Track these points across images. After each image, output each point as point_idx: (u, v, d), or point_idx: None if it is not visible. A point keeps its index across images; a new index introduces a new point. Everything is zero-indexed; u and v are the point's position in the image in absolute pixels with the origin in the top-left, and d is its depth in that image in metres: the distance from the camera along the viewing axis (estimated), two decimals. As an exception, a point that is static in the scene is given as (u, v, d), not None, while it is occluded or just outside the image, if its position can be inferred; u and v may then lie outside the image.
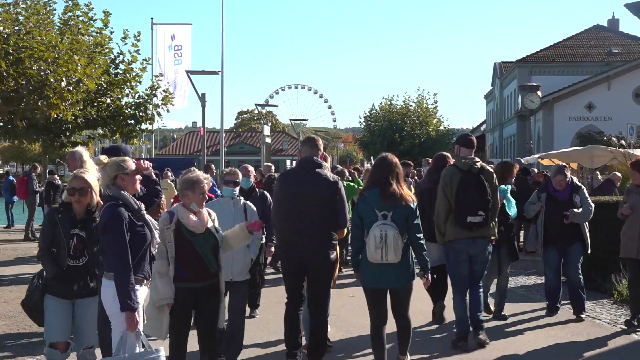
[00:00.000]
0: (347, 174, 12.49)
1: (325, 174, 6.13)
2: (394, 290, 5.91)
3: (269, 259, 7.47)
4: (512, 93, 45.11)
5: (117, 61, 16.43)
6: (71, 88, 12.65)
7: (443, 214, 7.01)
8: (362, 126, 55.94)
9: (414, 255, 5.96)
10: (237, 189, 6.46)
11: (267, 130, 27.25)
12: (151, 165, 6.09)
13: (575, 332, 7.71)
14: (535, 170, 18.16)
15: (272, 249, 7.19)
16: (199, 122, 23.48)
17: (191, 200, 5.28)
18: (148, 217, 5.01)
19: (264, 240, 7.09)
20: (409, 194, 5.91)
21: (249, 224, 5.49)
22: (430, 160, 9.92)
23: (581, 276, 8.30)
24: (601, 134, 32.54)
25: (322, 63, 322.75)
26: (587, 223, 8.39)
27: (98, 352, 5.40)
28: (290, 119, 55.14)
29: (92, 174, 5.22)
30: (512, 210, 8.05)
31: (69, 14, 15.09)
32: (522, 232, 14.46)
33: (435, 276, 7.25)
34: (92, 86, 13.48)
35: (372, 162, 25.30)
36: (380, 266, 5.72)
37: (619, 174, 14.36)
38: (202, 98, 20.14)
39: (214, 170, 14.20)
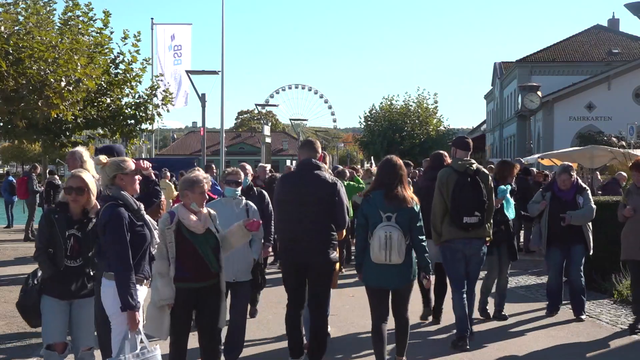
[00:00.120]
0: (348, 173, 12.49)
1: (324, 175, 6.18)
2: (395, 290, 6.00)
3: (269, 259, 7.49)
4: (512, 93, 45.10)
5: (117, 61, 16.41)
6: (71, 88, 12.65)
7: (439, 215, 7.08)
8: (362, 126, 55.91)
9: (414, 256, 6.00)
10: (240, 189, 6.46)
11: (267, 130, 27.25)
12: (150, 165, 6.10)
13: (575, 332, 7.71)
14: (535, 170, 18.15)
15: (270, 249, 7.23)
16: (199, 122, 23.46)
17: (191, 200, 5.27)
18: (147, 217, 5.01)
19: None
20: (413, 196, 6.01)
21: (247, 222, 5.48)
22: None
23: (583, 279, 8.28)
24: (601, 134, 32.57)
25: (322, 63, 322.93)
26: (590, 224, 8.34)
27: (97, 353, 5.40)
28: (290, 119, 55.11)
29: (90, 174, 5.20)
30: (510, 212, 8.04)
31: (69, 14, 15.09)
32: (522, 232, 14.48)
33: (434, 276, 7.30)
34: (92, 86, 13.47)
35: (372, 162, 25.35)
36: (383, 266, 5.83)
37: (624, 174, 14.32)
38: (202, 98, 20.14)
39: (215, 170, 14.20)
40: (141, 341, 4.75)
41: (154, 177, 6.54)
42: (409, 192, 6.00)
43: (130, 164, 5.02)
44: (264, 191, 7.75)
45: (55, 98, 12.36)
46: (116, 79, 16.27)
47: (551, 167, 23.76)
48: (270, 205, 7.37)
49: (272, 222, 7.28)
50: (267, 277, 7.13)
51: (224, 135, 27.56)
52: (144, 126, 17.72)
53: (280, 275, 6.72)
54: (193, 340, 5.49)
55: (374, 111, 53.97)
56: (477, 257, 7.17)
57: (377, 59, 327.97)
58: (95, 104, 15.96)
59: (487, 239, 7.23)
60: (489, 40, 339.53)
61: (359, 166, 20.84)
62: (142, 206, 4.98)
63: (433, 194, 7.16)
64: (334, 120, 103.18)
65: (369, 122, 53.53)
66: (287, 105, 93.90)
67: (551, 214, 8.27)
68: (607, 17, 51.43)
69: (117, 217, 4.71)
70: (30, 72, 11.96)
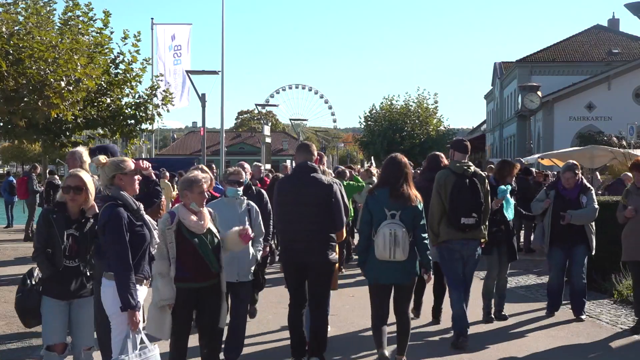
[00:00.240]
0: (348, 173, 12.49)
1: (320, 177, 6.27)
2: (398, 286, 6.10)
3: (269, 258, 7.50)
4: (512, 93, 45.09)
5: (117, 61, 16.41)
6: (71, 88, 12.65)
7: (437, 215, 7.15)
8: (362, 126, 55.90)
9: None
10: (242, 188, 6.47)
11: (267, 130, 27.24)
12: (150, 165, 6.09)
13: (575, 332, 7.71)
14: (535, 170, 18.15)
15: (267, 249, 7.25)
16: (199, 122, 23.46)
17: (191, 200, 5.27)
18: (147, 217, 5.01)
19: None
20: (417, 195, 6.11)
21: (242, 233, 5.45)
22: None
23: (585, 281, 8.27)
24: (601, 134, 32.55)
25: (322, 63, 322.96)
26: (593, 224, 8.29)
27: (96, 354, 5.40)
28: (290, 119, 55.08)
29: (88, 174, 5.19)
30: (510, 213, 8.03)
31: (69, 14, 15.10)
32: (522, 232, 14.47)
33: (433, 276, 7.32)
34: (92, 86, 13.47)
35: (372, 162, 25.36)
36: (386, 263, 5.93)
37: (630, 174, 14.27)
38: (202, 98, 20.14)
39: (215, 170, 14.19)
40: (141, 341, 4.75)
41: (154, 177, 6.53)
42: (413, 191, 6.10)
43: (130, 164, 5.02)
44: (262, 190, 7.79)
45: (55, 98, 12.36)
46: (116, 79, 16.27)
47: (551, 167, 23.75)
48: (269, 205, 7.41)
49: (271, 221, 7.31)
50: (267, 277, 7.15)
51: (224, 135, 27.56)
52: (144, 126, 17.72)
53: (280, 275, 6.74)
54: (193, 340, 5.49)
55: (374, 111, 53.98)
56: (473, 258, 7.28)
57: (377, 59, 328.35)
58: (95, 104, 15.96)
59: (483, 240, 7.34)
60: (489, 40, 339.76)
61: (358, 166, 20.88)
62: (142, 206, 4.98)
63: (430, 194, 7.20)
64: (334, 121, 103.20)
65: (369, 122, 53.54)
66: (287, 105, 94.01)
67: (554, 213, 8.21)
68: (607, 17, 51.51)
69: (116, 217, 4.71)
70: (30, 72, 11.97)
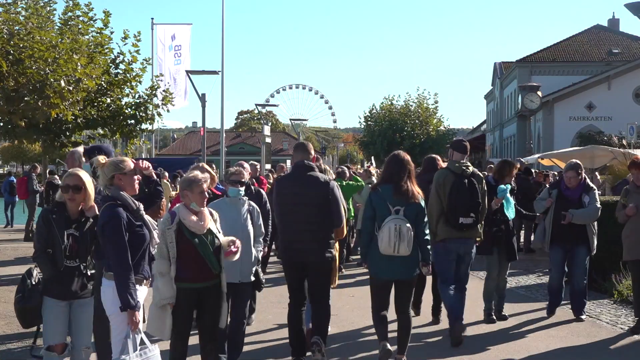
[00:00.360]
0: (348, 174, 12.49)
1: (317, 175, 6.33)
2: (400, 281, 6.18)
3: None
4: (513, 93, 45.09)
5: (117, 61, 16.41)
6: (71, 88, 12.65)
7: (435, 215, 7.21)
8: (362, 126, 55.88)
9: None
10: (243, 189, 6.47)
11: (267, 130, 27.24)
12: (150, 165, 6.07)
13: (575, 332, 7.71)
14: (534, 170, 18.15)
15: (266, 248, 7.28)
16: (199, 122, 23.47)
17: (191, 200, 5.26)
18: (147, 217, 5.00)
19: None
20: (420, 192, 6.22)
21: (229, 250, 5.38)
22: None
23: (585, 282, 8.26)
24: (601, 134, 32.53)
25: (322, 63, 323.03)
26: (595, 225, 8.25)
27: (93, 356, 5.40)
28: (290, 119, 55.06)
29: (87, 173, 5.18)
30: (510, 212, 8.03)
31: (69, 14, 15.09)
32: (522, 232, 14.47)
33: (432, 276, 7.46)
34: (92, 86, 13.47)
35: (373, 162, 25.33)
36: (389, 258, 6.00)
37: None
38: (202, 98, 20.14)
39: (215, 170, 14.17)
40: (142, 342, 4.75)
41: (155, 177, 6.52)
42: (416, 187, 6.20)
43: (129, 163, 5.01)
44: (261, 190, 7.83)
45: (55, 98, 12.36)
46: (116, 79, 16.27)
47: (551, 167, 23.75)
48: (268, 205, 7.45)
49: (269, 221, 7.33)
50: (267, 277, 7.15)
51: (224, 135, 27.57)
52: (144, 126, 17.71)
53: (279, 275, 6.75)
54: (193, 340, 5.49)
55: (374, 111, 53.95)
56: (469, 256, 7.41)
57: (377, 59, 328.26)
58: (96, 104, 15.96)
59: (478, 239, 7.46)
60: (489, 40, 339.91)
61: (358, 165, 20.87)
62: (142, 206, 4.97)
63: (428, 195, 7.23)
64: (334, 121, 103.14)
65: (369, 122, 53.52)
66: (287, 105, 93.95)
67: (556, 212, 8.17)
68: (607, 17, 51.50)
69: (115, 218, 4.71)
70: (30, 72, 11.97)
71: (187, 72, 21.49)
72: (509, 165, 8.33)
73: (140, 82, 16.84)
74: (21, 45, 12.01)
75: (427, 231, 6.25)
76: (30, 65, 12.00)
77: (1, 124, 15.25)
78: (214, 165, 13.54)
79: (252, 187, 7.69)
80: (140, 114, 16.79)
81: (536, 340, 7.38)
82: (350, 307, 8.93)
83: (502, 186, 7.88)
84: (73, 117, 14.52)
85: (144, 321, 5.08)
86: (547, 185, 10.30)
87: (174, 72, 25.95)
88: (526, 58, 43.99)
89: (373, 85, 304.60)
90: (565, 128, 37.90)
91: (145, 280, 4.94)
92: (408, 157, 6.33)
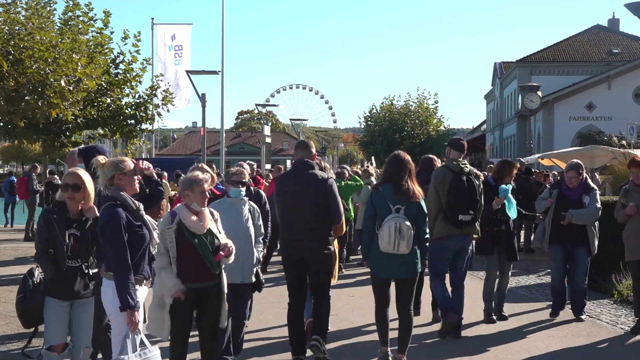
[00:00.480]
0: (347, 174, 12.50)
1: (316, 173, 6.38)
2: (401, 280, 6.25)
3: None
4: (513, 93, 45.08)
5: (117, 61, 16.41)
6: (71, 88, 12.65)
7: (433, 212, 7.26)
8: (362, 126, 55.87)
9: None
10: (244, 189, 6.47)
11: (267, 130, 27.27)
12: (151, 165, 6.07)
13: (575, 332, 7.71)
14: (536, 170, 18.15)
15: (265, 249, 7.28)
16: (199, 122, 23.48)
17: (192, 200, 5.26)
18: (147, 217, 5.00)
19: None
20: (420, 191, 6.30)
21: (219, 254, 5.36)
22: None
23: (586, 283, 8.25)
24: (601, 134, 32.52)
25: (322, 63, 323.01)
26: (597, 226, 8.21)
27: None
28: (290, 119, 55.07)
29: (86, 172, 5.18)
30: (512, 212, 8.02)
31: (69, 14, 15.08)
32: (522, 232, 14.48)
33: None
34: (92, 86, 13.47)
35: (372, 162, 25.32)
36: (390, 256, 6.07)
37: None
38: (202, 98, 20.14)
39: (216, 170, 14.18)
40: (142, 343, 4.74)
41: (155, 177, 6.52)
42: (417, 187, 6.27)
43: (129, 163, 5.01)
44: (261, 191, 7.84)
45: (55, 98, 12.36)
46: (116, 79, 16.26)
47: (551, 167, 23.74)
48: (267, 205, 7.47)
49: (269, 222, 7.34)
50: (267, 277, 7.15)
51: (224, 135, 27.57)
52: (144, 126, 17.71)
53: (280, 275, 6.76)
54: (193, 340, 5.49)
55: (374, 111, 53.95)
56: (465, 252, 7.52)
57: (377, 59, 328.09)
58: (96, 104, 15.96)
59: (475, 236, 7.59)
60: (489, 40, 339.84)
61: (358, 165, 20.88)
62: (142, 206, 4.97)
63: (425, 195, 7.25)
64: (334, 121, 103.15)
65: (369, 122, 53.51)
66: (287, 105, 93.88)
67: (556, 212, 8.14)
68: (607, 17, 51.48)
69: (114, 218, 4.71)
70: (30, 72, 11.97)
71: (187, 72, 21.50)
72: (509, 165, 8.32)
73: (140, 82, 16.85)
74: (21, 45, 12.01)
75: (427, 230, 6.32)
76: (30, 65, 12.00)
77: (1, 124, 15.25)
78: (214, 166, 13.57)
79: (252, 188, 7.69)
80: (140, 114, 16.78)
81: (536, 341, 7.38)
82: (350, 307, 8.93)
83: (504, 186, 7.89)
84: (73, 117, 14.52)
85: (144, 321, 5.08)
86: (548, 185, 10.29)
87: (178, 77, 25.86)
88: (526, 58, 43.98)
89: (373, 85, 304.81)
90: (565, 128, 37.89)
91: (145, 281, 4.94)
92: (408, 157, 6.40)
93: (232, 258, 5.34)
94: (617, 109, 36.15)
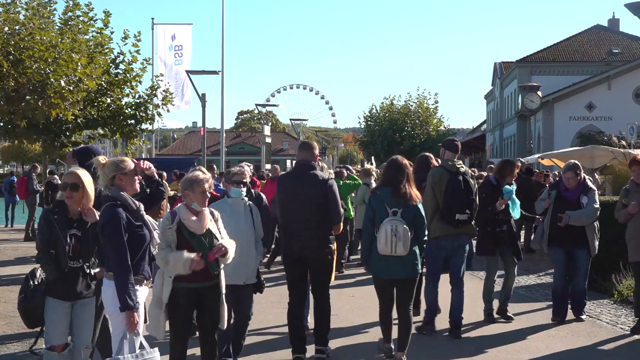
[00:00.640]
0: (346, 173, 12.51)
1: (317, 174, 6.47)
2: (400, 281, 6.31)
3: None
4: (513, 93, 45.06)
5: (117, 61, 16.41)
6: (71, 88, 12.65)
7: (430, 212, 7.29)
8: (362, 126, 55.87)
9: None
10: (245, 189, 6.47)
11: (267, 130, 27.29)
12: (152, 165, 6.06)
13: (575, 332, 7.71)
14: (536, 171, 18.16)
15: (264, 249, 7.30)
16: (199, 122, 23.49)
17: (192, 200, 5.25)
18: (147, 217, 5.00)
19: None
20: (418, 194, 6.37)
21: (211, 254, 5.32)
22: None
23: (586, 283, 8.23)
24: (601, 134, 32.50)
25: (322, 63, 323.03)
26: (597, 227, 8.14)
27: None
28: (290, 119, 55.01)
29: (86, 172, 5.18)
30: (516, 212, 8.01)
31: (69, 14, 15.09)
32: (522, 232, 14.47)
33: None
34: (92, 86, 13.47)
35: (372, 162, 25.35)
36: (389, 258, 6.15)
37: None
38: (202, 98, 20.14)
39: (216, 171, 14.19)
40: (141, 345, 4.74)
41: (156, 177, 6.51)
42: (414, 190, 6.35)
43: (129, 163, 5.01)
44: (261, 193, 7.80)
45: (55, 98, 12.36)
46: (116, 79, 16.27)
47: (551, 167, 23.74)
48: (267, 207, 7.44)
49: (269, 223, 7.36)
50: (267, 277, 7.16)
51: (224, 135, 27.57)
52: (144, 126, 17.72)
53: (280, 275, 6.77)
54: (193, 342, 5.49)
55: (374, 111, 53.96)
56: (462, 250, 7.56)
57: (377, 59, 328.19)
58: (96, 104, 15.96)
59: (471, 234, 7.69)
60: (489, 40, 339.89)
61: (358, 166, 20.89)
62: (142, 206, 4.97)
63: (422, 193, 7.28)
64: (334, 122, 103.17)
65: (369, 122, 53.52)
66: (287, 105, 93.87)
67: (554, 214, 8.08)
68: (607, 17, 51.47)
69: (115, 218, 4.71)
70: (30, 72, 11.97)
71: (187, 72, 21.50)
72: (510, 165, 8.27)
73: (140, 82, 16.86)
74: (21, 46, 12.01)
75: (426, 232, 6.40)
76: (30, 65, 12.00)
77: (1, 124, 15.25)
78: (214, 166, 13.58)
79: (252, 190, 7.67)
80: (140, 114, 16.79)
81: (536, 340, 7.38)
82: (350, 307, 8.93)
83: (508, 187, 7.90)
84: (73, 117, 14.52)
85: (145, 322, 5.07)
86: (548, 186, 10.28)
87: (183, 79, 25.77)
88: (526, 58, 43.96)
89: (373, 85, 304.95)
90: (565, 128, 37.87)
91: (145, 281, 4.94)
92: (406, 162, 6.48)
93: (230, 258, 5.28)
94: (617, 109, 36.14)
